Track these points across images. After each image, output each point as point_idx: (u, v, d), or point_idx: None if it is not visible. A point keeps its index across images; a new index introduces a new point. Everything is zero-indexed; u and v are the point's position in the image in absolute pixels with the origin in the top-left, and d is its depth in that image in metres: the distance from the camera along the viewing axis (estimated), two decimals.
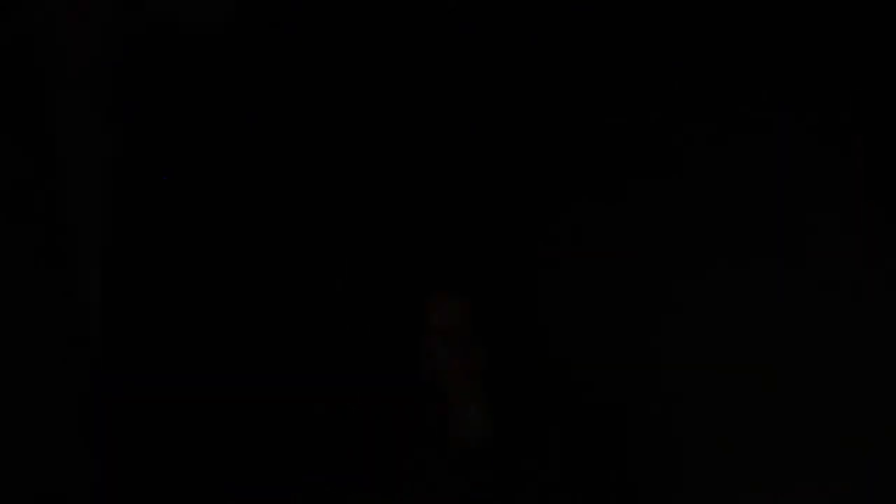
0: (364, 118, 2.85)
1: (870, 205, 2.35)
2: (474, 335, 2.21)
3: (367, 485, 2.24)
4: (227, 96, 2.96)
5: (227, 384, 2.73)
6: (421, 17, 2.84)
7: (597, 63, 2.66)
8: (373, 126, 2.84)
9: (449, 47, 2.84)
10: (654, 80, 2.63)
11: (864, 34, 2.46)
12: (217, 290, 2.84)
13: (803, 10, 2.51)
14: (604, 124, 2.65)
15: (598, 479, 2.26)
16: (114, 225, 2.85)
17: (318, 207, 2.82)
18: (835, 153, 2.41)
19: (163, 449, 2.67)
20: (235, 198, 2.92)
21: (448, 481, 2.20)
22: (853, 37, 2.47)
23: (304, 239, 2.83)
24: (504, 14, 2.75)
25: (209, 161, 2.94)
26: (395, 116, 2.81)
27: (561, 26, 2.72)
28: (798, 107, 2.49)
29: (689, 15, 2.58)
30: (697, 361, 2.48)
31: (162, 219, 2.90)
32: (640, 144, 2.62)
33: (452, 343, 2.21)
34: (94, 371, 2.71)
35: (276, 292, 2.80)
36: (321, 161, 2.86)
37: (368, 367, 2.58)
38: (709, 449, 2.39)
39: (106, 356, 2.76)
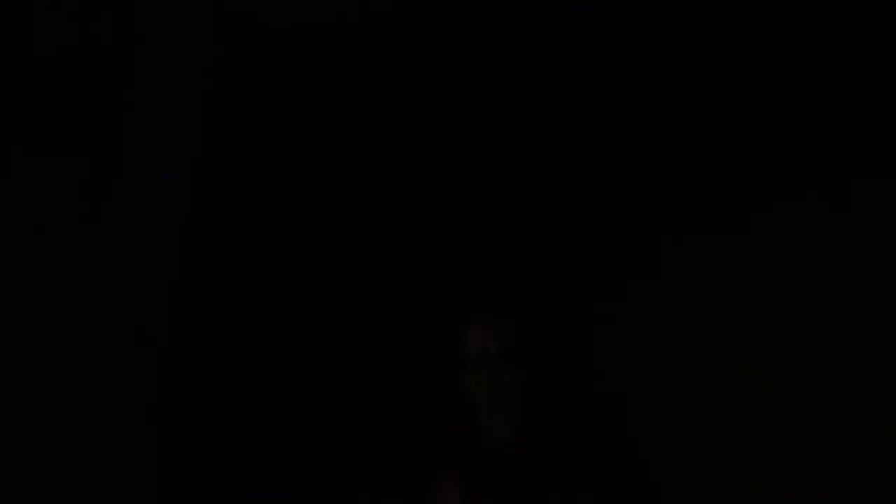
0: (414, 146, 2.89)
1: None
2: (510, 356, 2.36)
3: (403, 476, 2.48)
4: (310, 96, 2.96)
5: (278, 386, 2.77)
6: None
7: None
8: (421, 155, 2.88)
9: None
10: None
11: None
12: (271, 303, 2.87)
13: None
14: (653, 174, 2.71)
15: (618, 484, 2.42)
16: (190, 225, 2.86)
17: (368, 233, 2.87)
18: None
19: (222, 442, 2.76)
20: (299, 209, 2.94)
21: (477, 478, 2.37)
22: None
23: (358, 259, 2.87)
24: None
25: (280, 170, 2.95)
26: (445, 145, 2.86)
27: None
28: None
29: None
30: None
31: (235, 221, 2.92)
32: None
33: (489, 364, 2.35)
34: (160, 369, 2.73)
35: (326, 307, 2.86)
36: (369, 182, 2.88)
37: (410, 375, 2.73)
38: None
39: (173, 355, 2.79)
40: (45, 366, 2.58)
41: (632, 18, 2.74)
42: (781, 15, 2.59)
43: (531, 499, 2.35)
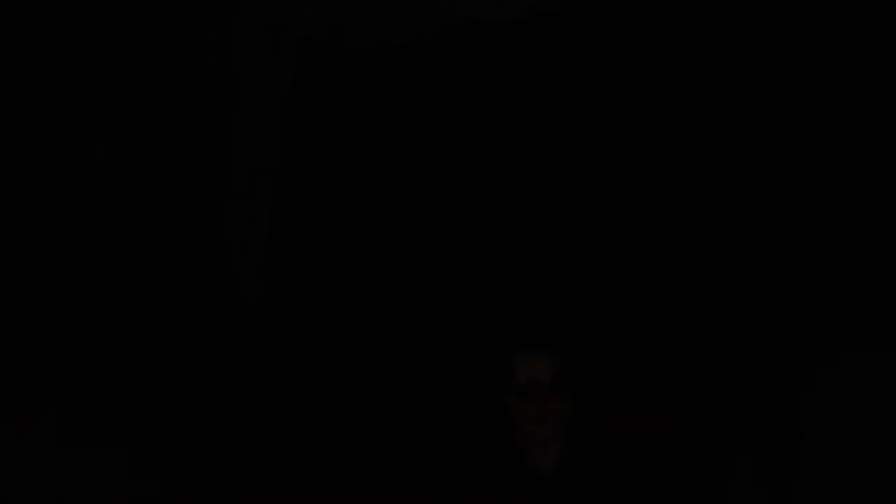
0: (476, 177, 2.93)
1: None
2: (560, 386, 2.38)
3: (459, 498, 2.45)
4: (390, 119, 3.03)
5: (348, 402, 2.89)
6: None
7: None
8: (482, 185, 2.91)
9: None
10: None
11: None
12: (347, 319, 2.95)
13: None
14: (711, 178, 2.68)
15: None
16: (277, 230, 2.97)
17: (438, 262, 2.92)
18: None
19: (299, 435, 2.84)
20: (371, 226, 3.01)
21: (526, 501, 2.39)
22: None
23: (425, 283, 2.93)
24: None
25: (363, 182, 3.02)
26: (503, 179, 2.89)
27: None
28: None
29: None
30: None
31: (318, 231, 3.01)
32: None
33: (537, 394, 2.39)
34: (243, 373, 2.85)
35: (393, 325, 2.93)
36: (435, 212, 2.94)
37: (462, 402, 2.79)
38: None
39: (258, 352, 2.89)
40: (134, 359, 2.67)
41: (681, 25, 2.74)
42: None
43: None
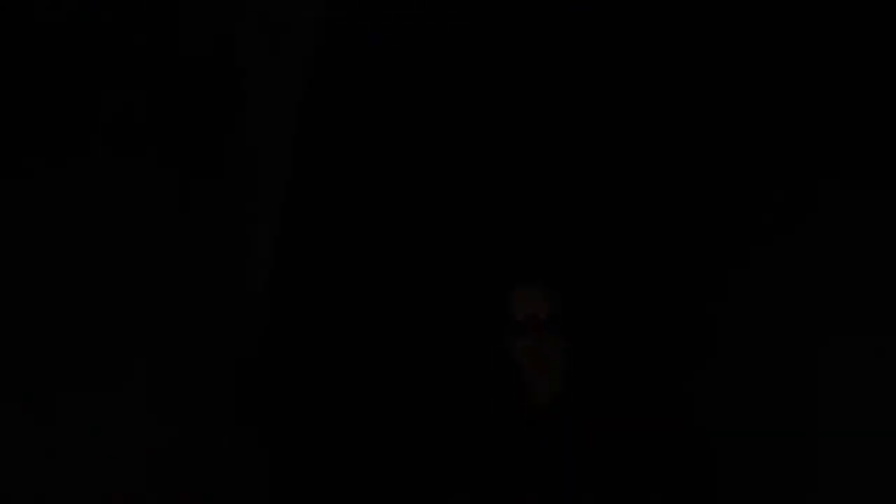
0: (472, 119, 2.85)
1: None
2: (556, 321, 2.41)
3: (454, 436, 2.48)
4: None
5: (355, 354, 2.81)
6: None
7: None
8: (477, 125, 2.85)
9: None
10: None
11: None
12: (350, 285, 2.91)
13: None
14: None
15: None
16: (289, 221, 2.90)
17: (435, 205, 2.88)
18: None
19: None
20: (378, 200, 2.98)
21: (521, 437, 2.41)
22: None
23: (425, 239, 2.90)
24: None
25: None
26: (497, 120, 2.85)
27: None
28: None
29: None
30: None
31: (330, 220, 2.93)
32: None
33: (535, 328, 2.39)
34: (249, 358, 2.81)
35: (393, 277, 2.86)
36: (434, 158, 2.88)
37: (463, 340, 2.71)
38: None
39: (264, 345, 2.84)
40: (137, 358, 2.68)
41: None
42: None
43: (568, 463, 2.37)
